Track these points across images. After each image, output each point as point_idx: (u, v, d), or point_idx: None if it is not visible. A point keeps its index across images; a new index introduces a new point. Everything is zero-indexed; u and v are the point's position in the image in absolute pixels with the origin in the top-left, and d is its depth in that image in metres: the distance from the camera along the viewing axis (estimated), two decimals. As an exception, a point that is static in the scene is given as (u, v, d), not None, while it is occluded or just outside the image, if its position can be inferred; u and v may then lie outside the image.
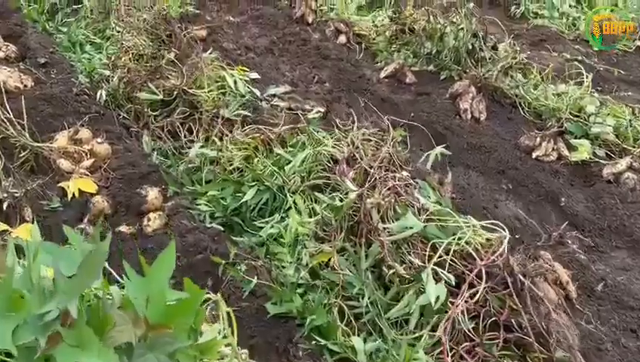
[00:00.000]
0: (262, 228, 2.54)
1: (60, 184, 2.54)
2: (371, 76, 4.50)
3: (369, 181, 2.39)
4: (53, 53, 3.72)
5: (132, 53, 3.69)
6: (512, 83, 4.16)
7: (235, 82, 3.34)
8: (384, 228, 2.16)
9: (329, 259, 2.23)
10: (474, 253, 2.05)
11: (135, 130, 3.22)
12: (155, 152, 3.08)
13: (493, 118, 4.03)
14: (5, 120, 2.68)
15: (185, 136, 3.14)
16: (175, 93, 3.24)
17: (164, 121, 3.22)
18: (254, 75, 3.54)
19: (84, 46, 3.96)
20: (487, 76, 4.14)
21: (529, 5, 6.05)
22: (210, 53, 3.54)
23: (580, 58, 4.87)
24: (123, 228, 2.44)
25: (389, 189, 2.34)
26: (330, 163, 2.67)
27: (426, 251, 2.08)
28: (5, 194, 2.41)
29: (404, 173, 2.53)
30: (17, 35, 3.97)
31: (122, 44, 3.75)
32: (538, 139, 3.55)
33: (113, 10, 4.18)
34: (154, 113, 3.26)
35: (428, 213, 2.28)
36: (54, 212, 2.47)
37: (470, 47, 4.34)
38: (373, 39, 5.01)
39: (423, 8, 5.11)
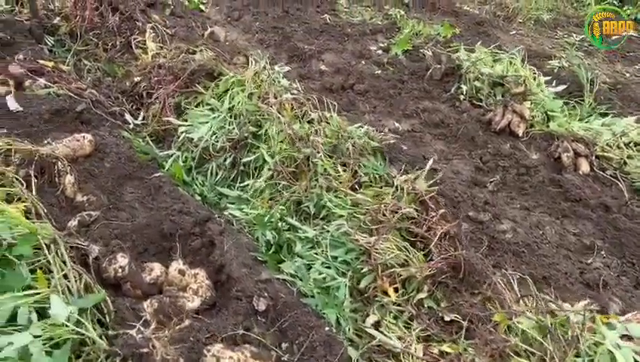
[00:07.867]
0: None
1: None
2: (666, 239, 3.15)
3: None
4: (275, 284, 2.27)
5: (391, 274, 2.28)
6: None
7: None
8: None
9: None
10: None
11: None
12: None
13: None
14: None
15: None
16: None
17: None
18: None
19: (293, 246, 2.51)
20: None
21: None
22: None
23: None
24: None
25: None
26: None
27: None
28: None
29: None
30: (186, 233, 2.52)
31: (369, 254, 2.34)
32: None
33: (318, 173, 2.73)
34: None
35: None
36: None
37: None
38: (624, 163, 3.64)
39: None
